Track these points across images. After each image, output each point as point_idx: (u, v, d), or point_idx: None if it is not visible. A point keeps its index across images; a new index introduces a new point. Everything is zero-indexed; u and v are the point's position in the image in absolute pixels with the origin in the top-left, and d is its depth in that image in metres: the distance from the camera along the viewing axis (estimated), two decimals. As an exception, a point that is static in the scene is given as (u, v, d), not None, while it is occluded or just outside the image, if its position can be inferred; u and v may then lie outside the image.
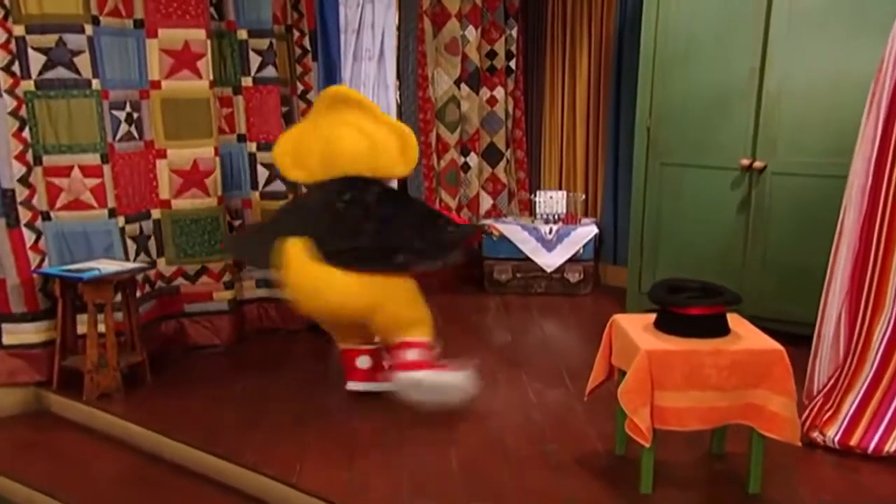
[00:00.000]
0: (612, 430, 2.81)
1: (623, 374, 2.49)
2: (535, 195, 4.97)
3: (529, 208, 5.18)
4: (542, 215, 4.90)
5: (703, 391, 2.29)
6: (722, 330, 2.41)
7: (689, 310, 2.39)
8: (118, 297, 3.27)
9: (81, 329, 3.26)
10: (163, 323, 3.71)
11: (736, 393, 2.30)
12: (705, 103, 3.97)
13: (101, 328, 3.18)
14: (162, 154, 3.62)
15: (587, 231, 4.80)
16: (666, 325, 2.45)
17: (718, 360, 2.29)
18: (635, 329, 2.49)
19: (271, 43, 3.80)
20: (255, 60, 3.80)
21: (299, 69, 4.03)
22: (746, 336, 2.42)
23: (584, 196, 5.04)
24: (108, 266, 3.23)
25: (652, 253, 4.26)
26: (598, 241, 4.87)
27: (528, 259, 4.78)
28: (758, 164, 3.82)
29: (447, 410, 3.00)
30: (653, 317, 2.54)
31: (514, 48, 5.12)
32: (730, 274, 3.81)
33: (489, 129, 5.16)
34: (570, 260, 4.76)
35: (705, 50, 3.94)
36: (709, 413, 2.32)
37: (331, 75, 4.01)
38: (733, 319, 2.51)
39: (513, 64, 5.16)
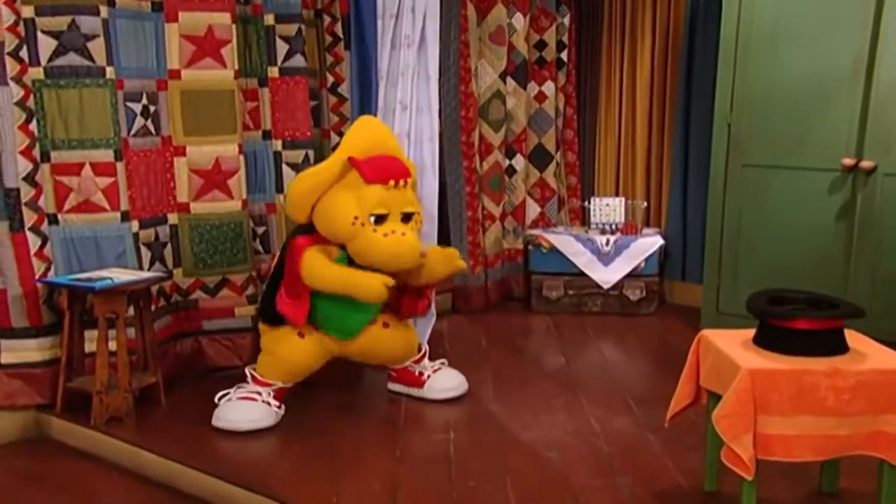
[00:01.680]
0: (695, 463, 2.76)
1: (714, 396, 2.42)
2: (589, 202, 4.97)
3: (582, 217, 5.24)
4: (596, 225, 4.91)
5: (817, 416, 2.19)
6: (839, 347, 2.31)
7: (799, 323, 2.27)
8: (131, 311, 3.25)
9: (89, 347, 3.23)
10: (178, 342, 3.68)
11: (860, 419, 2.20)
12: (798, 95, 3.91)
13: (112, 346, 3.15)
14: (180, 151, 3.60)
15: (650, 242, 4.77)
16: (769, 340, 2.36)
17: (838, 382, 2.19)
18: (731, 345, 2.41)
19: (300, 29, 3.78)
20: (281, 48, 3.77)
21: (330, 59, 4.03)
22: (872, 354, 2.32)
23: (645, 203, 5.02)
24: (120, 275, 3.20)
25: (731, 267, 4.21)
26: (663, 253, 4.85)
27: (581, 274, 4.78)
28: (865, 164, 3.74)
29: (498, 439, 3.03)
30: (750, 332, 2.46)
31: (566, 38, 5.13)
32: (829, 289, 3.65)
33: (537, 129, 5.15)
34: (630, 275, 4.74)
35: (798, 33, 3.88)
36: (824, 442, 2.21)
37: (365, 65, 3.95)
38: (851, 336, 2.42)
39: (564, 56, 5.16)
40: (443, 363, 3.50)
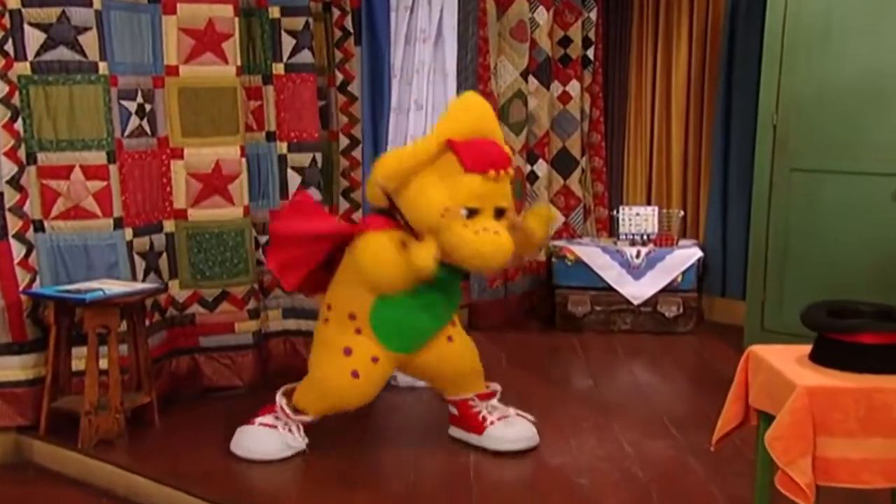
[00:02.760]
0: (743, 490, 2.68)
1: (766, 417, 2.34)
2: (617, 212, 4.96)
3: (610, 228, 5.21)
4: (626, 235, 4.89)
5: (890, 439, 2.10)
6: (912, 363, 2.21)
7: (866, 337, 2.20)
8: (123, 326, 3.23)
9: (76, 364, 3.19)
10: (174, 359, 3.64)
11: (944, 443, 2.10)
12: (854, 93, 3.86)
13: (102, 363, 3.12)
14: (178, 154, 3.58)
15: (687, 255, 4.74)
16: (829, 356, 2.27)
17: (915, 402, 2.10)
18: (785, 362, 2.32)
19: (307, 23, 3.77)
20: (287, 43, 3.75)
21: (339, 55, 4.01)
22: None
23: (681, 212, 4.99)
24: (112, 287, 3.17)
25: (777, 280, 4.15)
26: (701, 267, 4.81)
27: (609, 289, 4.74)
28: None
29: (522, 464, 3.02)
30: (806, 348, 2.39)
31: (592, 34, 5.13)
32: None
33: (561, 132, 5.13)
34: (664, 290, 4.70)
35: (856, 26, 3.84)
36: (897, 467, 2.11)
37: (377, 62, 3.95)
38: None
39: (591, 53, 5.16)
40: (518, 414, 3.19)
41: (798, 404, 2.14)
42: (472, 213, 2.81)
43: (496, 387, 3.21)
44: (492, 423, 3.10)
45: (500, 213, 2.89)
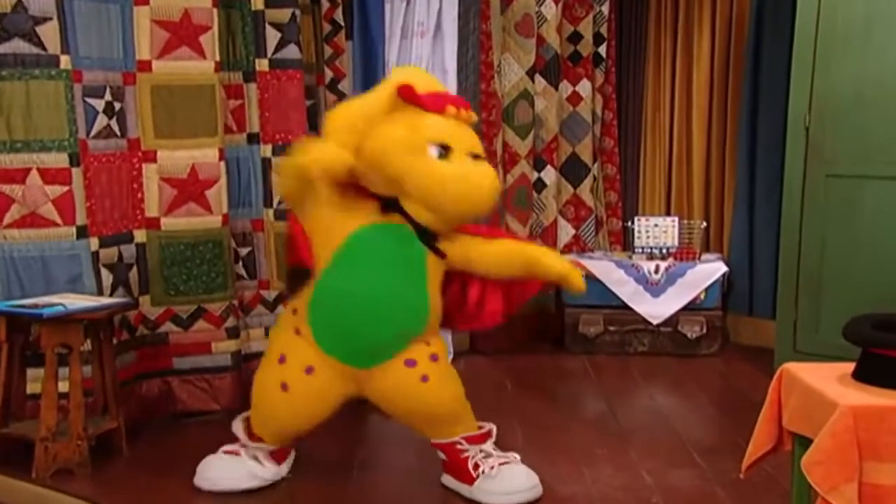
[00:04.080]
0: None
1: (802, 441, 2.31)
2: (633, 223, 4.92)
3: (624, 240, 5.18)
4: (642, 249, 4.85)
5: None
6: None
7: None
8: (87, 345, 3.19)
9: (31, 387, 3.18)
10: (144, 382, 3.62)
11: None
12: (893, 93, 3.81)
13: (62, 385, 3.08)
14: (150, 157, 3.56)
15: (711, 270, 4.70)
16: (875, 373, 2.24)
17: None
18: (824, 380, 2.30)
19: (294, 15, 3.76)
20: (272, 37, 3.75)
21: (329, 50, 4.02)
22: None
23: (704, 223, 4.95)
24: (76, 302, 3.12)
25: (812, 297, 4.11)
26: (726, 283, 4.79)
27: (625, 307, 4.71)
28: None
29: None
30: (848, 366, 2.36)
31: (604, 30, 5.10)
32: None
33: (571, 136, 5.11)
34: (685, 309, 4.66)
35: (892, 21, 3.79)
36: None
37: (370, 58, 4.02)
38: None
39: (603, 50, 5.12)
40: (515, 458, 2.96)
41: (840, 426, 2.10)
42: (442, 153, 2.70)
43: (490, 427, 2.98)
44: (484, 472, 2.85)
45: (475, 159, 2.79)
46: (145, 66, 3.49)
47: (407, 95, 2.73)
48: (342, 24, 3.97)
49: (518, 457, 2.97)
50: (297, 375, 2.80)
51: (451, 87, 4.10)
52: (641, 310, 4.67)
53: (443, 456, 2.96)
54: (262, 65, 3.75)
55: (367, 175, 2.72)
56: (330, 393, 2.84)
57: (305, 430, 2.91)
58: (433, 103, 2.75)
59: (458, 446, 2.90)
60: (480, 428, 2.95)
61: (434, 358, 2.85)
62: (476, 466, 2.87)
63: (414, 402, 2.84)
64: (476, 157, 2.77)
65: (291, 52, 3.76)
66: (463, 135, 2.77)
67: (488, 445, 2.93)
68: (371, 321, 2.74)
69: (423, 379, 2.81)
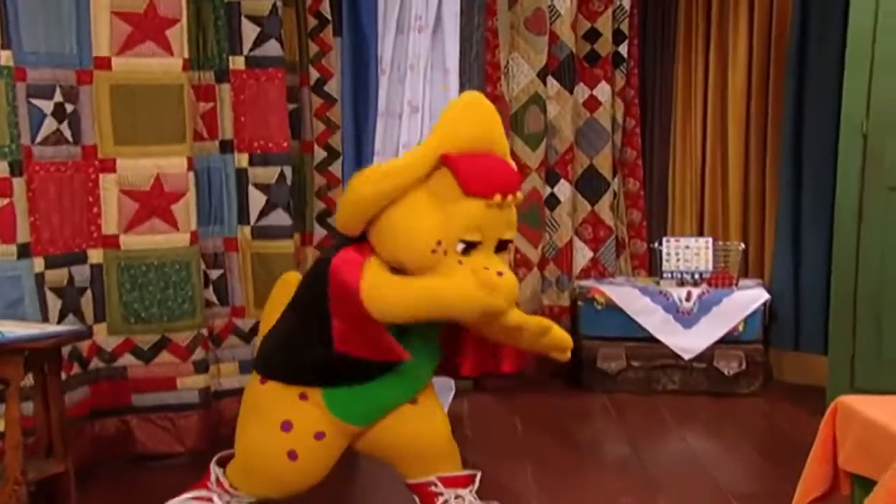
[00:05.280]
0: None
1: (863, 482, 2.31)
2: (660, 244, 4.87)
3: (650, 264, 5.15)
4: (671, 274, 4.80)
5: None
6: None
7: None
8: (30, 378, 3.07)
9: None
10: (98, 421, 3.58)
11: None
12: None
13: None
14: (109, 166, 3.51)
15: (750, 297, 4.65)
16: None
17: None
18: (889, 414, 2.28)
19: (274, 7, 3.75)
20: (249, 32, 3.74)
21: (314, 48, 4.01)
22: None
23: (742, 245, 4.92)
24: (15, 329, 3.00)
25: (871, 328, 4.02)
26: (768, 313, 4.73)
27: (651, 339, 4.67)
28: None
29: None
30: None
31: (626, 26, 5.06)
32: None
33: (588, 146, 5.05)
34: (721, 341, 4.62)
35: None
36: None
37: (361, 56, 4.01)
38: None
39: (624, 49, 5.07)
40: None
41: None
42: (469, 247, 2.67)
43: (475, 473, 2.97)
44: None
45: (501, 247, 2.77)
46: (103, 64, 3.45)
47: (452, 167, 2.64)
48: (329, 17, 3.97)
49: None
50: (306, 443, 2.80)
51: (453, 89, 4.07)
52: (671, 342, 4.62)
53: (416, 501, 2.96)
54: (238, 63, 3.74)
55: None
56: (337, 452, 2.90)
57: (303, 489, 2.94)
58: (479, 185, 2.65)
59: (433, 488, 2.90)
60: (465, 469, 2.99)
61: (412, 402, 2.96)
62: None
63: (401, 430, 2.91)
64: (503, 245, 2.76)
65: (271, 48, 3.74)
66: (498, 222, 2.72)
67: (467, 492, 2.92)
68: (399, 396, 2.86)
69: (413, 401, 2.92)
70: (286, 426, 2.77)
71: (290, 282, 2.98)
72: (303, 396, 2.79)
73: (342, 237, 2.81)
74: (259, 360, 2.95)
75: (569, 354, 2.95)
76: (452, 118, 2.79)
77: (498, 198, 2.65)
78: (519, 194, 2.76)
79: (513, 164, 2.86)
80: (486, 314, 2.61)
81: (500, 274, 2.63)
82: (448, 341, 2.90)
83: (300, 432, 2.77)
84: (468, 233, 2.65)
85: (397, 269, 2.69)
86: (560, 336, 2.89)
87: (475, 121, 2.77)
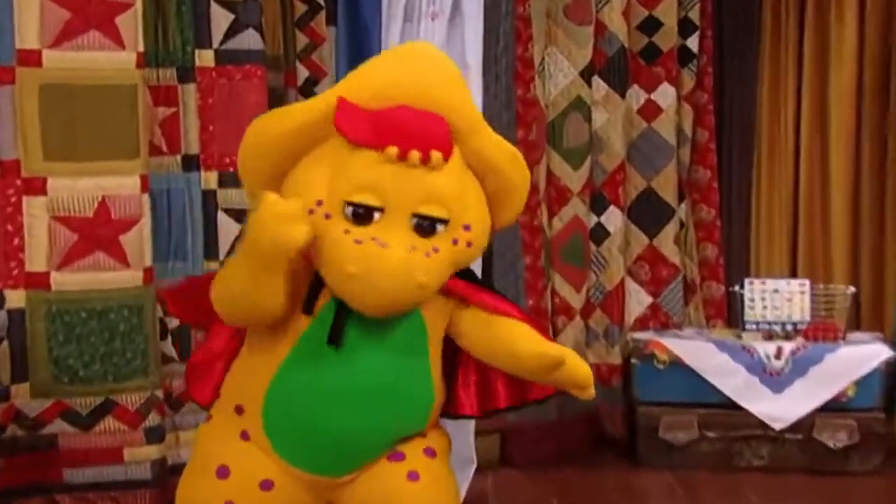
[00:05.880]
0: None
1: None
2: (741, 287, 4.80)
3: (728, 312, 5.13)
4: (757, 325, 4.74)
5: None
6: None
7: None
8: None
9: None
10: (20, 501, 3.55)
11: None
12: None
13: None
14: (36, 187, 3.47)
15: (864, 354, 4.62)
16: None
17: None
18: None
19: None
20: (221, 20, 3.74)
21: (303, 40, 4.05)
22: None
23: (851, 288, 4.86)
24: None
25: None
26: (889, 374, 4.65)
27: (730, 405, 4.61)
28: None
29: None
30: None
31: (696, 14, 5.02)
32: None
33: (644, 164, 5.02)
34: (825, 408, 4.57)
35: None
36: None
37: (360, 50, 3.96)
38: None
39: (693, 43, 5.01)
40: None
41: None
42: (363, 216, 2.55)
43: None
44: None
45: (425, 227, 2.59)
46: (30, 59, 3.40)
47: (339, 116, 2.56)
48: (322, 2, 4.03)
49: None
50: (248, 494, 2.70)
51: (476, 93, 3.95)
52: (757, 409, 4.57)
53: None
54: (206, 58, 3.73)
55: None
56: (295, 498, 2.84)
57: None
58: (365, 131, 2.58)
59: None
60: None
61: (430, 453, 2.79)
62: None
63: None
64: (427, 222, 2.60)
65: (248, 40, 3.74)
66: (407, 186, 2.58)
67: None
68: (360, 426, 2.69)
69: (411, 476, 2.73)
70: (222, 472, 2.70)
71: None
72: (244, 435, 2.72)
73: None
74: None
75: (592, 392, 2.79)
76: (373, 63, 2.73)
77: (393, 150, 2.52)
78: (435, 153, 2.57)
79: (448, 120, 2.67)
80: (278, 249, 2.44)
81: (381, 245, 2.49)
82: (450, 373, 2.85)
83: (239, 479, 2.69)
84: (356, 193, 2.52)
85: None
86: (576, 369, 2.72)
87: (401, 67, 2.67)
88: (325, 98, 2.64)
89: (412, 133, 2.56)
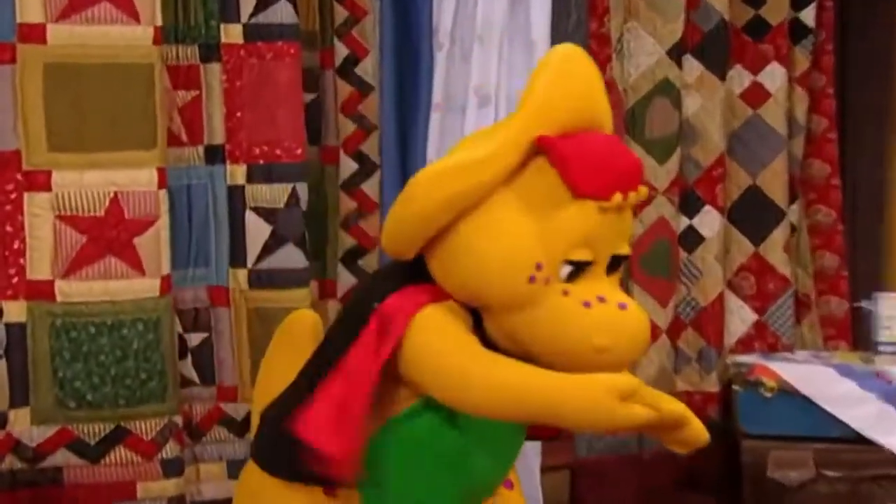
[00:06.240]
0: None
1: None
2: (870, 302, 4.79)
3: (853, 332, 5.08)
4: (889, 347, 4.73)
5: None
6: None
7: None
8: None
9: None
10: None
11: None
12: None
13: None
14: (39, 182, 3.48)
15: None
16: None
17: None
18: None
19: None
20: None
21: (342, 13, 4.07)
22: None
23: None
24: None
25: None
26: None
27: (856, 439, 4.50)
28: None
29: None
30: None
31: None
32: None
33: (748, 158, 4.91)
34: None
35: None
36: None
37: (409, 25, 4.02)
38: None
39: (809, 16, 4.93)
40: None
41: None
42: (576, 270, 2.59)
43: None
44: None
45: (614, 265, 2.69)
46: (34, 34, 3.39)
47: (571, 166, 2.57)
48: None
49: None
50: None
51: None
52: (891, 443, 4.50)
53: None
54: (233, 33, 3.71)
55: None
56: None
57: None
58: (593, 181, 2.60)
59: None
60: None
61: (508, 485, 2.96)
62: None
63: None
64: (617, 262, 2.71)
65: (281, 12, 3.72)
66: (613, 231, 2.67)
67: None
68: (490, 481, 2.88)
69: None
70: None
71: (302, 324, 3.03)
72: (328, 491, 2.82)
73: (391, 267, 2.84)
74: (258, 446, 2.97)
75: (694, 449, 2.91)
76: (545, 83, 2.68)
77: (618, 198, 2.57)
78: (643, 188, 2.68)
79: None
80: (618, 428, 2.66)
81: (622, 307, 2.55)
82: None
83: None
84: (577, 250, 2.57)
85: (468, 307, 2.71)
86: (698, 431, 2.84)
87: (575, 84, 2.69)
88: (513, 142, 2.61)
89: (629, 175, 2.65)
